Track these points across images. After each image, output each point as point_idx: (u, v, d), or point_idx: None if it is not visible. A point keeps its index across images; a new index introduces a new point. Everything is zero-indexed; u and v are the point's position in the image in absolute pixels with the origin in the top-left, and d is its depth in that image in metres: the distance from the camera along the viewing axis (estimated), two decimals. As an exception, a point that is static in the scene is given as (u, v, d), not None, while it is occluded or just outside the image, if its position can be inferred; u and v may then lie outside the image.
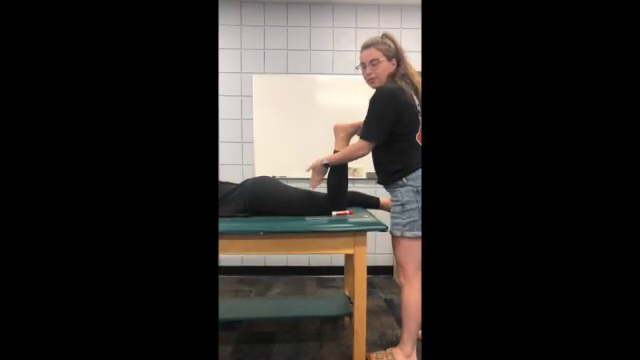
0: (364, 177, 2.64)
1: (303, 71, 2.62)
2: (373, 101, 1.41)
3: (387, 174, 1.46)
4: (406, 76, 1.44)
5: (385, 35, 1.48)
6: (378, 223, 1.44)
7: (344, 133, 1.61)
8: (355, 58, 2.64)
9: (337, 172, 1.60)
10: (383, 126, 1.39)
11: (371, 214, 1.65)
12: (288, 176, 2.64)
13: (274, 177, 2.54)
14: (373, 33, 2.74)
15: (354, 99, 2.63)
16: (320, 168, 1.54)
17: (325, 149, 2.63)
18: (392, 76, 1.45)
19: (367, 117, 1.43)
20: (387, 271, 2.71)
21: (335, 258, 2.72)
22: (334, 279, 2.64)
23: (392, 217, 1.47)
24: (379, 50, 1.45)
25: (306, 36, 2.61)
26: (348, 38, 2.62)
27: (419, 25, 2.73)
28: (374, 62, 1.47)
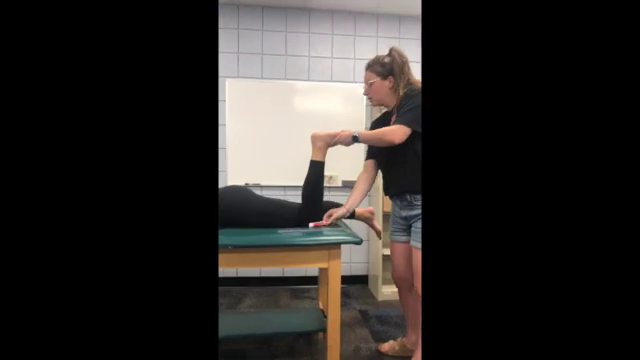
0: (339, 185, 2.60)
1: (278, 76, 2.57)
2: (406, 101, 1.44)
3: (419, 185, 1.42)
4: (413, 84, 1.49)
5: (391, 50, 1.54)
6: (353, 236, 1.40)
7: (322, 142, 1.57)
8: (332, 65, 2.62)
9: (313, 180, 1.55)
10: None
11: (346, 226, 1.61)
12: (262, 183, 2.57)
13: (246, 185, 2.46)
14: (349, 40, 2.77)
15: (331, 106, 2.60)
16: (348, 139, 1.49)
17: (301, 156, 2.58)
18: (392, 90, 1.51)
19: (405, 108, 1.42)
20: (362, 280, 2.68)
21: (310, 268, 2.66)
22: (308, 289, 2.58)
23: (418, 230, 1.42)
24: (373, 72, 1.54)
25: (281, 41, 2.55)
26: (324, 45, 2.59)
27: (399, 35, 2.70)
28: (369, 83, 1.55)
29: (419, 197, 1.43)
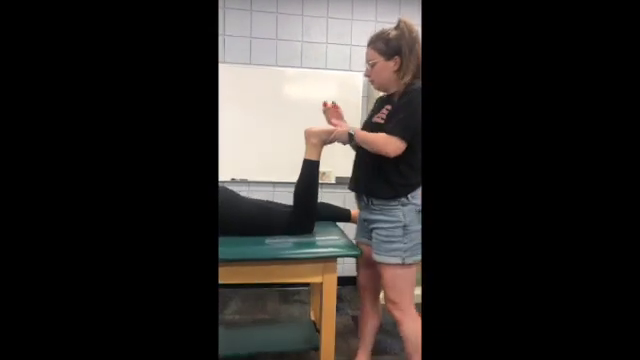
0: (333, 182, 2.43)
1: (268, 62, 2.36)
2: (406, 100, 1.21)
3: (391, 187, 1.24)
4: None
5: (400, 22, 1.27)
6: (351, 247, 1.24)
7: (316, 139, 1.39)
8: (326, 51, 2.42)
9: (306, 182, 1.38)
10: (418, 127, 1.16)
11: (342, 232, 1.45)
12: (249, 179, 2.38)
13: (233, 180, 2.26)
14: (346, 25, 2.56)
15: (325, 96, 2.40)
16: (345, 136, 1.30)
17: (292, 150, 2.39)
18: (398, 73, 1.26)
19: (398, 114, 1.21)
20: (354, 282, 2.53)
21: (300, 268, 2.51)
22: (298, 292, 2.43)
23: (386, 241, 1.25)
24: (375, 50, 1.28)
25: (272, 23, 2.34)
26: (319, 29, 2.39)
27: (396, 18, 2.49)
28: (371, 63, 1.30)
29: (377, 202, 1.27)
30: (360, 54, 2.41)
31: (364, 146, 1.26)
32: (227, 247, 1.18)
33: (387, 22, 2.43)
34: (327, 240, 1.28)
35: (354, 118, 2.44)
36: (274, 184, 2.42)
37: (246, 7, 2.29)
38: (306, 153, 1.40)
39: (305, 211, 1.38)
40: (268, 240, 1.26)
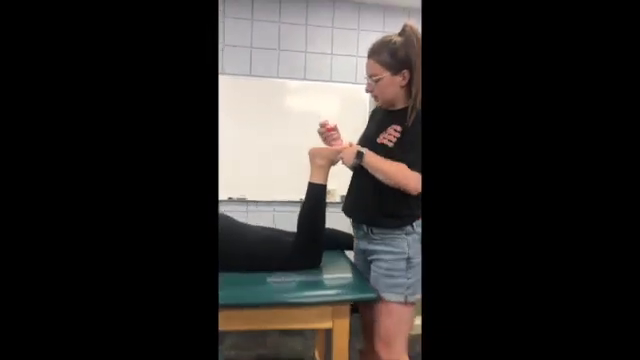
0: (338, 200, 2.27)
1: (270, 74, 2.22)
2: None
3: (396, 217, 1.09)
4: None
5: (405, 28, 1.09)
6: (365, 287, 1.08)
7: (323, 160, 1.23)
8: (331, 63, 2.29)
9: (312, 208, 1.22)
10: None
11: (352, 265, 1.28)
12: (248, 198, 2.22)
13: (230, 199, 2.09)
14: (352, 35, 2.43)
15: (329, 110, 2.27)
16: (352, 155, 1.11)
17: (293, 167, 2.25)
18: (407, 88, 1.09)
19: (414, 142, 1.01)
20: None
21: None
22: (300, 320, 2.25)
23: (387, 275, 1.09)
24: (378, 63, 1.09)
25: (274, 33, 2.21)
26: (323, 39, 2.26)
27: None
28: (373, 78, 1.11)
29: (377, 231, 1.11)
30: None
31: (376, 174, 1.08)
32: (223, 289, 1.02)
33: (394, 32, 2.32)
34: (336, 279, 1.12)
35: (361, 131, 2.30)
36: (273, 203, 2.26)
37: (247, 16, 2.16)
38: (311, 176, 1.24)
39: (311, 242, 1.21)
40: (270, 279, 1.10)
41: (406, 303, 1.07)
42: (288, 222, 2.28)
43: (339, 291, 1.05)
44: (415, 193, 1.03)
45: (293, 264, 1.20)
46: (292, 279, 1.11)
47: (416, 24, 1.09)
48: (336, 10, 2.25)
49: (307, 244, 1.21)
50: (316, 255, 1.22)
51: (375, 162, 1.08)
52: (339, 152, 1.18)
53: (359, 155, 1.10)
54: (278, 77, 2.23)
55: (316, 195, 1.22)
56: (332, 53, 2.28)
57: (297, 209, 2.25)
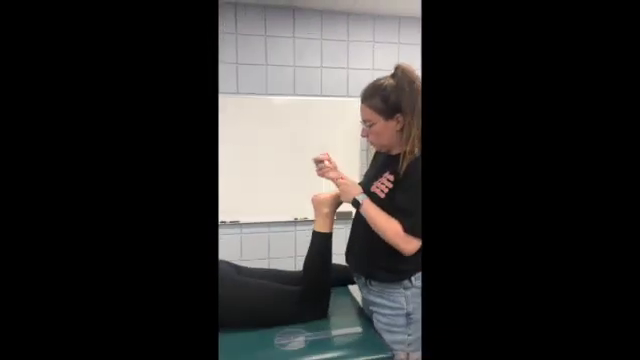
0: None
1: (257, 91, 2.12)
2: (416, 181, 0.96)
3: (392, 272, 1.05)
4: None
5: (397, 70, 1.03)
6: (378, 345, 1.04)
7: (329, 208, 1.17)
8: (321, 76, 2.19)
9: (318, 258, 1.17)
10: None
11: (359, 311, 1.24)
12: (241, 220, 2.15)
13: (222, 223, 1.99)
14: (342, 47, 2.33)
15: (321, 125, 2.19)
16: (349, 200, 1.07)
17: (285, 186, 2.18)
18: (402, 132, 1.02)
19: (411, 201, 0.96)
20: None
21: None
22: None
23: (387, 331, 1.07)
24: (371, 108, 1.04)
25: (261, 47, 2.09)
26: (312, 52, 2.16)
27: (398, 40, 2.30)
28: (367, 123, 1.07)
29: (375, 283, 1.09)
30: (359, 78, 2.20)
31: (371, 225, 1.04)
32: (226, 355, 0.96)
33: (386, 42, 2.24)
34: (347, 335, 1.08)
35: (352, 148, 2.24)
36: (268, 224, 2.19)
37: (231, 30, 2.04)
38: (316, 224, 1.18)
39: (318, 293, 1.16)
40: (277, 340, 1.04)
41: None
42: (284, 243, 2.22)
43: (352, 351, 1.01)
44: (408, 255, 0.99)
45: (300, 317, 1.15)
46: (300, 338, 1.06)
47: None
48: (324, 20, 2.15)
49: (314, 295, 1.16)
50: (323, 306, 1.18)
51: (369, 213, 1.03)
52: (338, 196, 1.13)
53: (355, 203, 1.05)
54: (266, 94, 2.13)
55: (322, 244, 1.16)
56: (322, 66, 2.19)
57: (292, 229, 2.21)
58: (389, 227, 0.99)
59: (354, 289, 1.33)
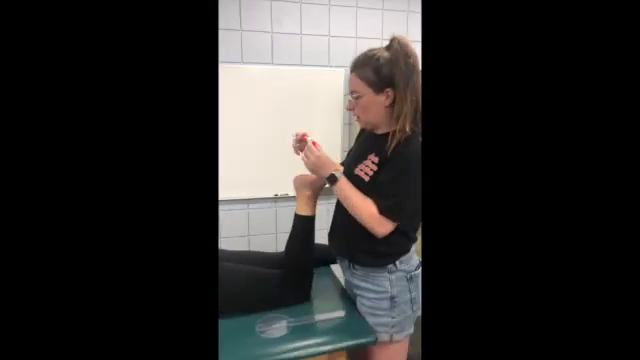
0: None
1: (233, 59, 1.97)
2: (402, 163, 0.92)
3: (376, 256, 1.02)
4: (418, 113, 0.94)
5: (393, 42, 0.95)
6: (363, 329, 1.02)
7: (311, 190, 1.11)
8: (301, 43, 2.06)
9: (299, 242, 1.12)
10: (415, 204, 0.90)
11: (342, 293, 1.21)
12: (221, 197, 2.06)
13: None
14: (323, 12, 2.18)
15: (301, 96, 2.08)
16: (324, 177, 1.01)
17: (266, 161, 2.09)
18: (391, 109, 0.96)
19: (390, 182, 0.93)
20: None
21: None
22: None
23: (371, 314, 1.06)
24: (360, 78, 0.96)
25: (235, 12, 1.93)
26: (291, 17, 2.01)
27: (382, 6, 2.14)
28: (354, 95, 0.99)
29: (359, 267, 1.06)
30: (341, 46, 2.08)
31: (344, 204, 1.00)
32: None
33: (370, 8, 2.11)
34: (330, 320, 1.05)
35: (335, 122, 2.16)
36: (247, 201, 2.12)
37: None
38: (298, 207, 1.12)
39: (300, 276, 1.13)
40: (258, 327, 1.01)
41: (392, 342, 1.04)
42: (264, 220, 2.16)
43: (335, 337, 0.99)
44: (380, 237, 0.96)
45: (282, 300, 1.12)
46: (282, 324, 1.03)
47: (405, 35, 0.95)
48: (304, -18, 1.99)
49: (296, 279, 1.13)
50: (305, 289, 1.15)
51: (345, 191, 0.98)
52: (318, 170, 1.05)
53: (331, 179, 0.99)
54: (242, 62, 1.99)
55: (304, 228, 1.11)
56: (301, 33, 2.05)
57: (273, 206, 2.15)
58: (363, 207, 0.95)
59: (336, 268, 1.30)
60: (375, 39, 2.11)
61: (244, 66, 1.98)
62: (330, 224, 1.16)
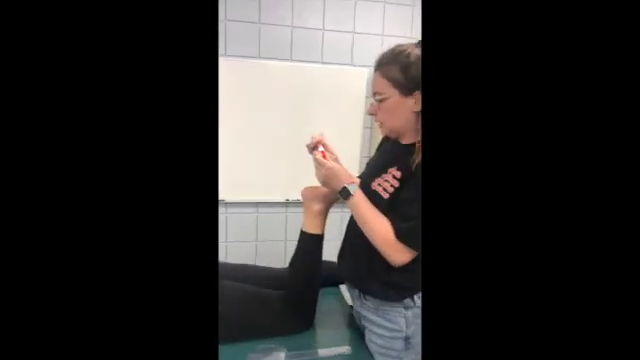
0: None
1: (249, 54, 1.86)
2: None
3: (391, 289, 0.87)
4: None
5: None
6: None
7: (320, 205, 0.98)
8: (323, 40, 1.93)
9: (306, 262, 0.99)
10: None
11: (349, 324, 1.07)
12: (227, 200, 1.96)
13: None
14: (347, 7, 2.03)
15: (320, 95, 1.95)
16: (337, 185, 0.86)
17: (278, 163, 1.97)
18: (419, 115, 0.81)
19: (415, 201, 0.78)
20: None
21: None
22: None
23: (382, 354, 0.91)
24: (385, 78, 0.82)
25: (253, 4, 1.81)
26: (313, 11, 1.88)
27: (412, 2, 1.98)
28: (377, 97, 0.84)
29: (371, 299, 0.92)
30: (365, 44, 1.93)
31: (358, 223, 0.86)
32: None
33: (399, 3, 1.95)
34: (335, 355, 0.91)
35: (355, 126, 2.01)
36: (257, 204, 2.01)
37: (219, -21, 1.75)
38: (305, 223, 0.99)
39: (304, 302, 0.99)
40: (251, 358, 0.88)
41: None
42: (273, 226, 2.05)
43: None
44: (396, 266, 0.82)
45: (281, 328, 0.98)
46: (279, 356, 0.89)
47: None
48: (329, -26, 1.85)
49: (299, 304, 0.99)
50: (308, 317, 1.01)
51: (359, 208, 0.83)
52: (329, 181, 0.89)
53: (344, 193, 0.85)
54: (259, 57, 1.87)
55: (311, 248, 0.98)
56: (323, 28, 1.91)
57: (283, 212, 2.03)
58: (377, 229, 0.81)
59: (345, 289, 1.16)
60: (404, 37, 1.95)
61: (260, 61, 1.86)
62: (342, 241, 1.02)
